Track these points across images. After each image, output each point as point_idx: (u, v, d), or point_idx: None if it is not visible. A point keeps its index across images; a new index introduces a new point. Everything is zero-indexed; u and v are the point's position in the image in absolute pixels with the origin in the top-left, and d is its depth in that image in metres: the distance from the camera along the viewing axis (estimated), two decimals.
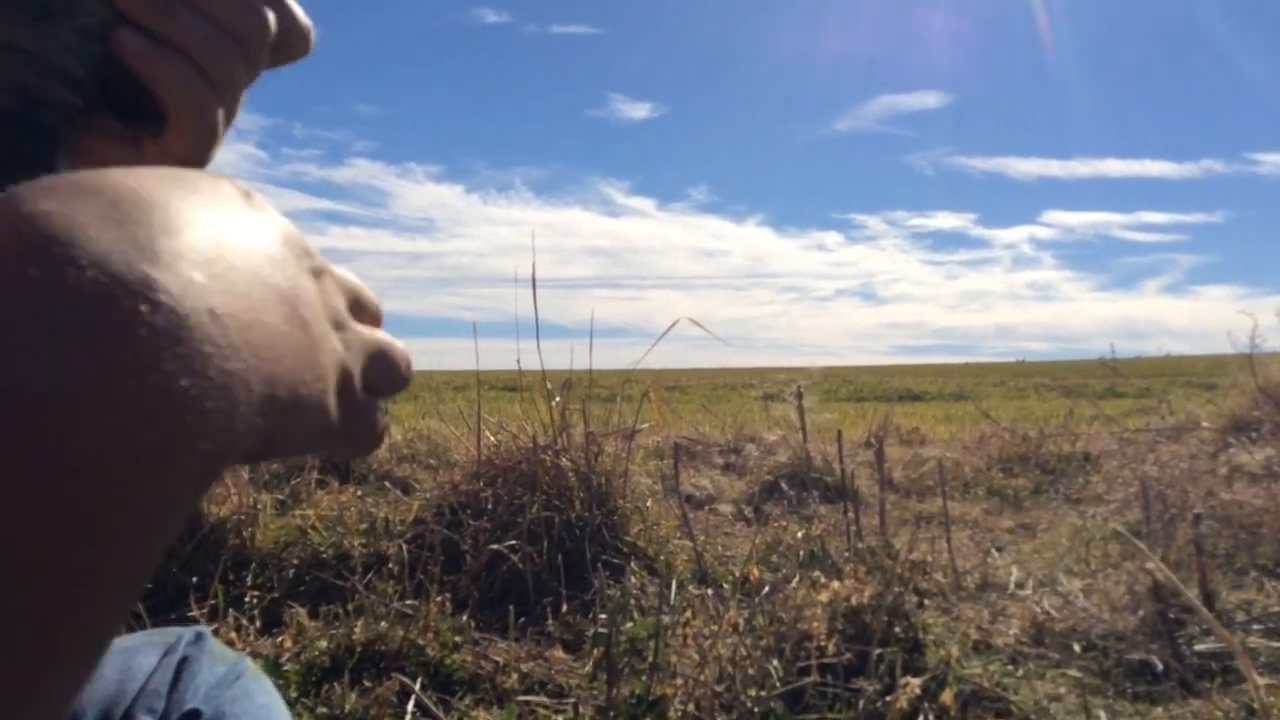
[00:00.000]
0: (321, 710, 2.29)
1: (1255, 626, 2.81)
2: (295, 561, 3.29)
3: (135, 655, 0.74)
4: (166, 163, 0.49)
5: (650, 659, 1.98)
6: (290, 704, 2.28)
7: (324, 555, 3.34)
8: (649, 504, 3.96)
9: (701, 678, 1.99)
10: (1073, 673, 2.60)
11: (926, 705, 2.13)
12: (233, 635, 2.70)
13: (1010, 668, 2.64)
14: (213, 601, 2.90)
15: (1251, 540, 3.66)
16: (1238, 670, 2.48)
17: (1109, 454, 6.16)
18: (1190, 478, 4.39)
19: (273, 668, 2.49)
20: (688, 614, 2.26)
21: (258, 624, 2.84)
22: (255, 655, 2.62)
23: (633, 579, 3.29)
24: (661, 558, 3.60)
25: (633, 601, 2.93)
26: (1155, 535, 3.46)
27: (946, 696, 1.99)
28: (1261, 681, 1.81)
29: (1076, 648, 2.77)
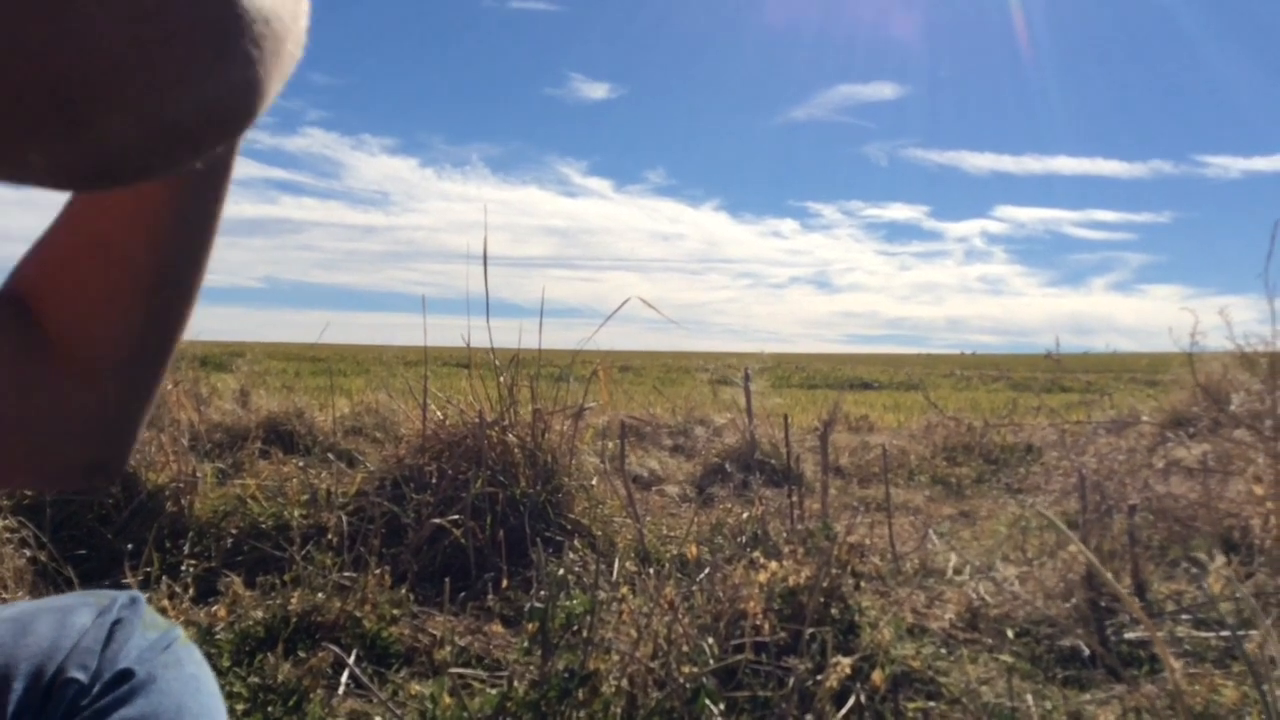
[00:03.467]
0: (254, 680, 2.26)
1: (1184, 617, 2.87)
2: (233, 531, 3.25)
3: (70, 614, 0.74)
4: None
5: (585, 634, 1.98)
6: (222, 673, 2.26)
7: (263, 525, 3.31)
8: (595, 483, 3.97)
9: (636, 653, 1.99)
10: (1004, 658, 2.64)
11: (858, 685, 2.16)
12: (165, 603, 2.67)
13: (943, 651, 2.68)
14: (147, 569, 2.86)
15: (1185, 533, 3.73)
16: None
17: (1050, 445, 6.26)
18: (1128, 470, 4.46)
19: (206, 637, 2.46)
20: (625, 591, 2.26)
21: (192, 592, 2.80)
22: (189, 624, 2.59)
23: (573, 555, 3.29)
24: (604, 536, 3.60)
25: (572, 578, 2.93)
26: (1091, 526, 3.52)
27: (877, 677, 2.01)
28: (1179, 666, 1.86)
29: (1009, 633, 2.81)
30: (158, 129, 0.33)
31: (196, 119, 0.34)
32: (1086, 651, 2.61)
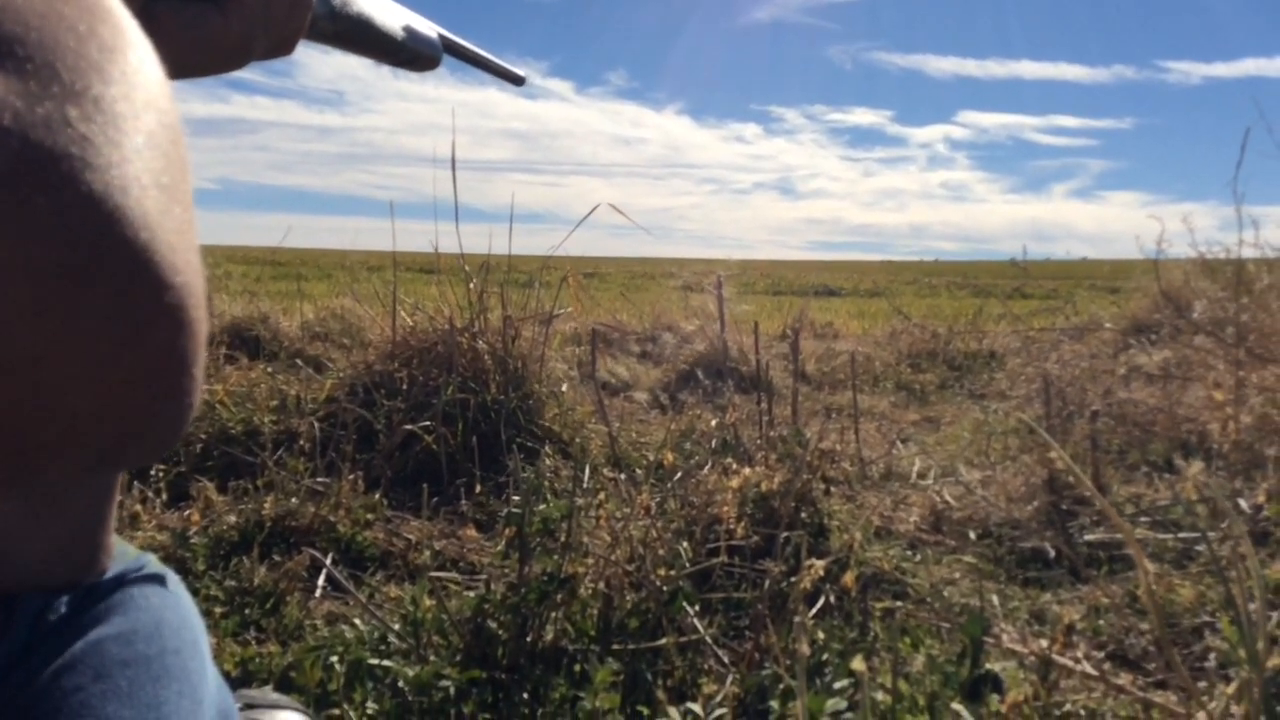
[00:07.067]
0: (230, 583, 2.27)
1: (1143, 519, 2.95)
2: (203, 436, 3.24)
3: None
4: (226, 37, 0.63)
5: (563, 539, 2.00)
6: (198, 577, 2.27)
7: (233, 431, 3.29)
8: (565, 389, 3.98)
9: (613, 557, 2.02)
10: (968, 559, 2.70)
11: (828, 586, 2.20)
12: (138, 508, 2.66)
13: (909, 553, 2.74)
14: None
15: (1144, 437, 3.81)
16: (1124, 559, 2.61)
17: (1013, 352, 6.33)
18: (1090, 376, 4.54)
19: (180, 541, 2.47)
20: (601, 496, 2.28)
21: (164, 497, 2.80)
22: (162, 529, 2.59)
23: (547, 461, 3.31)
24: (576, 442, 3.62)
25: (546, 483, 2.95)
26: (1054, 431, 3.58)
27: (848, 578, 2.06)
28: (1151, 568, 1.91)
29: (973, 535, 2.88)
30: (95, 463, 0.35)
31: (138, 456, 0.37)
32: (1051, 553, 2.67)
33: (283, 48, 0.74)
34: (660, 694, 1.71)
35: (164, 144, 0.34)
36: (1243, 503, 2.81)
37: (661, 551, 2.12)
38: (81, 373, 0.31)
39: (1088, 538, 2.79)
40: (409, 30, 0.86)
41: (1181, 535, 2.73)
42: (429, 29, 0.89)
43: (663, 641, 1.91)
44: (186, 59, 0.63)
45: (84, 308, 0.30)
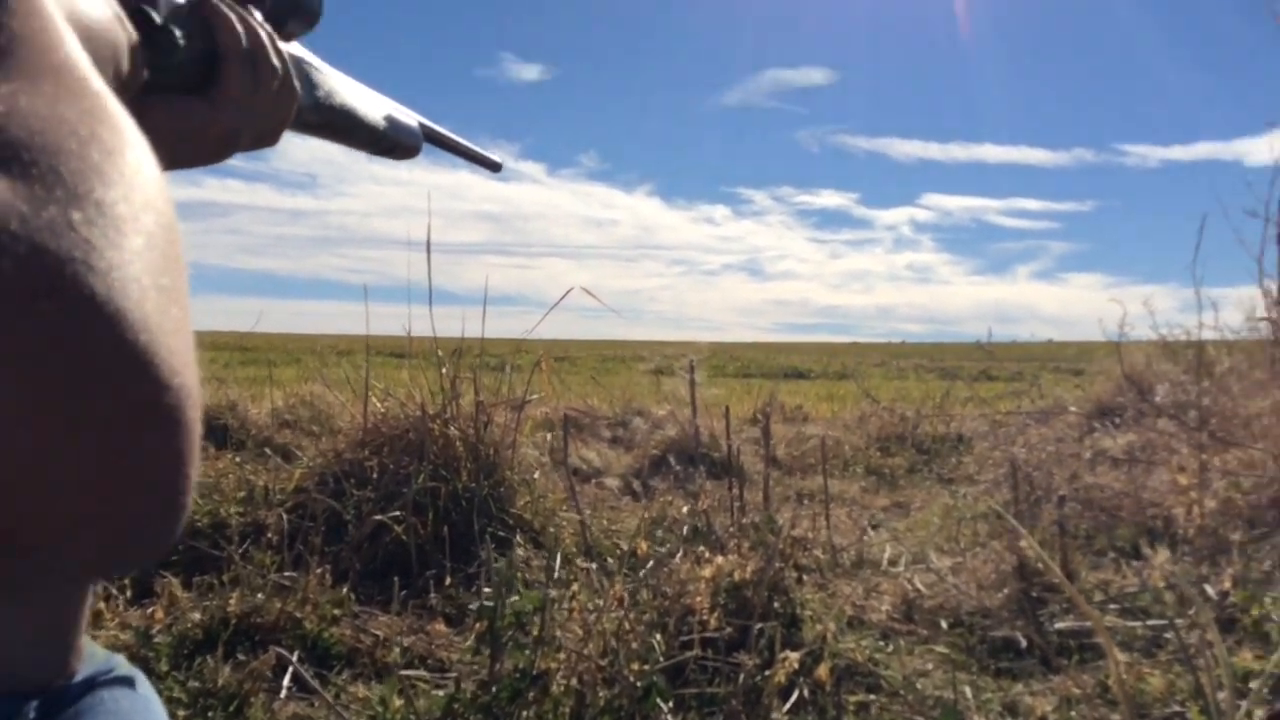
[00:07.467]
0: (193, 684, 2.23)
1: (1112, 606, 2.96)
2: None
3: None
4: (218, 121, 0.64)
5: (536, 633, 1.99)
6: (160, 678, 2.23)
7: (199, 524, 3.25)
8: (537, 476, 3.96)
9: (585, 651, 2.00)
10: (940, 649, 2.70)
11: (802, 679, 2.19)
12: (101, 606, 2.61)
13: (882, 644, 2.73)
14: None
15: (1110, 522, 3.84)
16: (1095, 647, 2.61)
17: (981, 435, 6.39)
18: (1056, 460, 4.59)
19: (143, 640, 2.42)
20: (574, 587, 2.27)
21: (128, 594, 2.75)
22: (125, 627, 2.54)
23: (519, 551, 3.29)
24: (549, 530, 3.60)
25: (518, 574, 2.93)
26: (1022, 516, 3.61)
27: (822, 671, 2.05)
28: (1121, 658, 1.92)
29: (944, 624, 2.87)
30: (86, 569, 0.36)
31: (131, 560, 0.37)
32: (1023, 642, 2.67)
33: (268, 138, 0.76)
34: None
35: (162, 244, 0.35)
36: (1209, 589, 2.83)
37: (635, 644, 2.11)
38: (79, 476, 0.31)
39: (1058, 626, 2.80)
40: (390, 120, 0.88)
41: (1150, 623, 2.74)
42: (409, 118, 0.91)
43: None
44: (175, 151, 0.64)
45: (84, 410, 0.30)
